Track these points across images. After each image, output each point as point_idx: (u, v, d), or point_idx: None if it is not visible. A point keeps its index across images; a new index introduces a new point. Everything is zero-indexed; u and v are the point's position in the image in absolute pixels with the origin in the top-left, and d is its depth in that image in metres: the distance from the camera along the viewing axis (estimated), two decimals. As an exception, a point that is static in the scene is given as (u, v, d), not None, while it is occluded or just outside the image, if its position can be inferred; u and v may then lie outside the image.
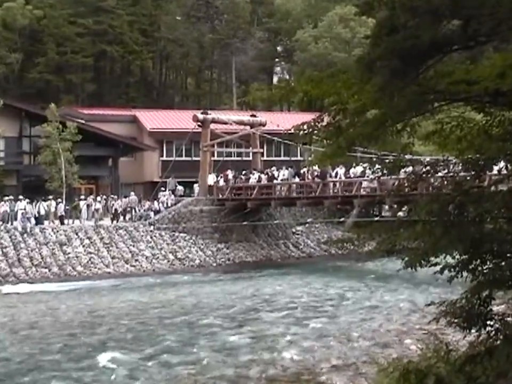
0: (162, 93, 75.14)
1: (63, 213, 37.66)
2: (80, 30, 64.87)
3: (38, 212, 36.66)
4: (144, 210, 40.51)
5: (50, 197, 38.49)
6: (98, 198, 40.52)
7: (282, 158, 53.46)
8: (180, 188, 42.45)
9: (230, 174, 40.93)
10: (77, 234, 35.64)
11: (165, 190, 42.00)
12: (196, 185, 41.60)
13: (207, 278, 32.17)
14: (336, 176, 35.69)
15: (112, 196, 42.65)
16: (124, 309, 23.92)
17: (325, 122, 9.51)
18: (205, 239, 37.93)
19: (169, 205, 40.49)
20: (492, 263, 8.52)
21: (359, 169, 34.77)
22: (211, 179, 40.36)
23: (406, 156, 10.05)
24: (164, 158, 51.16)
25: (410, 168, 10.06)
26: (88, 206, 40.06)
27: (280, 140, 41.07)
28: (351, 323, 20.40)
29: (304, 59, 68.94)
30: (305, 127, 9.49)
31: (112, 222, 38.45)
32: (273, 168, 40.90)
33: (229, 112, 56.35)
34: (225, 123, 42.83)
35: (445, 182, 9.52)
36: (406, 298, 24.64)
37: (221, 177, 40.87)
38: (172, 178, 42.54)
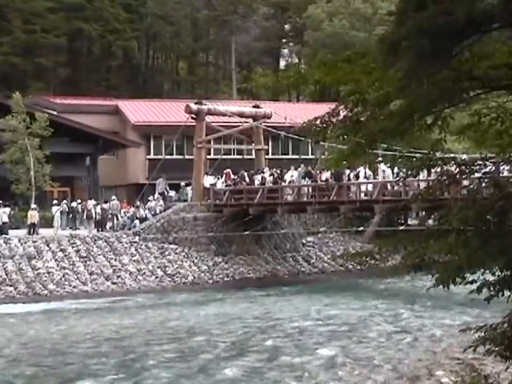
0: (149, 80, 75.27)
1: (7, 220, 37.46)
2: (52, 4, 65.07)
3: (1, 220, 36.77)
4: (128, 218, 40.54)
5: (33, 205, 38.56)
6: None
7: (290, 156, 53.53)
8: (172, 193, 42.36)
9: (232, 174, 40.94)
10: (48, 245, 35.68)
11: (154, 194, 42.07)
12: (189, 188, 41.63)
13: (202, 298, 32.14)
14: (358, 178, 35.45)
15: (90, 200, 42.70)
16: (103, 335, 23.90)
17: (341, 115, 9.51)
18: (200, 252, 37.93)
19: (157, 211, 40.51)
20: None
21: (388, 171, 34.79)
22: (209, 181, 40.37)
23: (437, 154, 10.04)
24: (151, 156, 51.24)
25: (442, 168, 10.05)
26: (61, 212, 40.15)
27: (287, 135, 41.04)
28: (371, 351, 20.36)
29: (317, 39, 68.99)
30: (318, 121, 9.50)
31: (89, 232, 38.49)
32: (279, 168, 40.90)
33: (227, 102, 56.32)
34: (224, 115, 42.86)
35: (483, 185, 9.51)
36: (437, 322, 24.60)
37: (218, 178, 40.84)
38: (163, 179, 42.54)
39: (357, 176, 35.65)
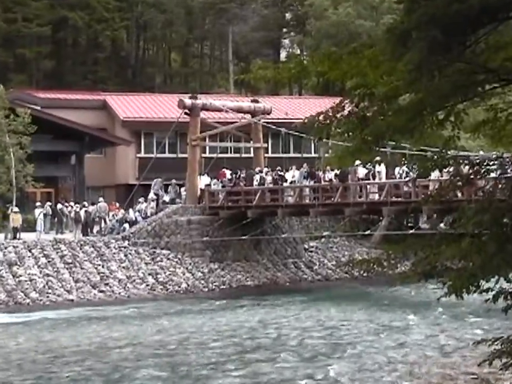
0: (139, 72, 75.26)
1: None
2: (35, -9, 65.02)
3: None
4: (117, 221, 40.53)
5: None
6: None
7: (291, 154, 53.56)
8: (167, 197, 42.17)
9: (228, 174, 40.90)
10: (30, 251, 35.67)
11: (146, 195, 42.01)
12: (182, 189, 41.64)
13: (196, 307, 32.12)
14: (374, 178, 35.37)
15: (76, 203, 42.70)
16: (89, 347, 23.87)
17: (346, 110, 9.51)
18: (194, 258, 37.93)
19: (148, 214, 40.51)
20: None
21: (384, 172, 34.87)
22: (204, 181, 40.37)
23: (449, 152, 10.04)
24: (142, 154, 51.26)
25: (455, 168, 10.05)
26: (45, 215, 40.16)
27: (289, 131, 41.04)
28: (378, 365, 20.35)
29: (320, 29, 69.04)
30: (321, 117, 9.50)
31: (76, 236, 38.50)
32: (279, 167, 40.91)
33: (224, 96, 56.34)
34: (220, 110, 42.87)
35: (500, 186, 9.51)
36: (450, 333, 24.59)
37: (212, 178, 40.81)
38: (161, 180, 42.35)
39: (373, 176, 35.52)
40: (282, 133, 45.81)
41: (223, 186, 40.19)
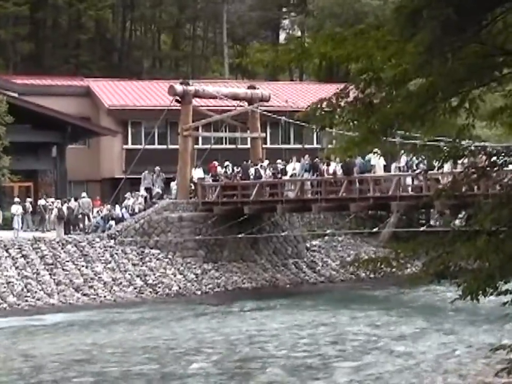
0: (126, 56, 75.18)
1: None
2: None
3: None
4: (102, 218, 40.51)
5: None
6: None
7: (292, 145, 53.51)
8: (156, 188, 42.10)
9: (221, 167, 40.92)
10: (7, 251, 35.66)
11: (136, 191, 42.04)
12: (173, 183, 41.62)
13: (188, 312, 32.12)
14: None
15: (56, 197, 42.68)
16: (71, 355, 23.86)
17: (351, 97, 9.50)
18: (186, 258, 37.94)
19: (136, 210, 40.49)
20: None
21: (402, 160, 34.88)
22: (198, 174, 40.32)
23: (464, 142, 10.03)
24: (129, 145, 51.22)
25: (470, 159, 10.04)
26: (25, 212, 40.21)
27: (289, 120, 41.02)
28: (387, 374, 20.36)
29: (323, 8, 69.04)
30: (324, 104, 9.49)
31: (58, 234, 38.47)
32: (279, 160, 40.90)
33: (218, 82, 56.29)
34: (214, 97, 42.84)
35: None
36: (464, 339, 24.60)
37: (204, 170, 40.82)
38: (150, 173, 42.22)
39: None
40: (282, 122, 45.82)
41: (214, 180, 40.15)
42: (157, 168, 42.23)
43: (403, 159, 34.95)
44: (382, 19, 9.77)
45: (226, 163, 41.09)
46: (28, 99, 47.41)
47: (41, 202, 42.27)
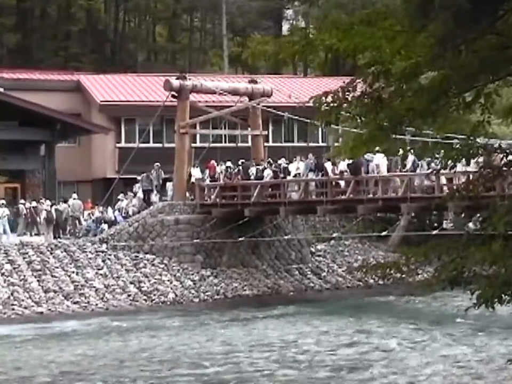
0: (119, 49, 75.21)
1: None
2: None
3: None
4: (93, 221, 40.52)
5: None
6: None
7: (295, 143, 53.52)
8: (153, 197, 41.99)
9: (220, 166, 40.88)
10: (-7, 256, 35.67)
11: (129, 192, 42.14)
12: (169, 184, 41.62)
13: (185, 321, 32.12)
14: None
15: (45, 199, 42.70)
16: (59, 367, 23.84)
17: (359, 91, 9.49)
18: (183, 263, 37.93)
19: (130, 213, 40.49)
20: None
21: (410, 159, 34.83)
22: (196, 174, 40.29)
23: (478, 140, 10.03)
24: (122, 144, 51.23)
25: (485, 158, 10.03)
26: (17, 215, 40.28)
27: (292, 117, 41.03)
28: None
29: (328, -3, 68.94)
30: (329, 98, 9.48)
31: (47, 239, 38.49)
32: (283, 159, 40.90)
33: (217, 76, 56.32)
34: (212, 92, 42.85)
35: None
36: (478, 350, 24.59)
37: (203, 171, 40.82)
38: (156, 169, 42.12)
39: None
40: (285, 119, 45.77)
41: (212, 181, 40.15)
42: (156, 164, 42.17)
43: (410, 159, 34.91)
44: (391, 8, 9.75)
45: (228, 163, 41.01)
46: (15, 94, 47.36)
47: (33, 204, 42.16)
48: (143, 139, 47.21)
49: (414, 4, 8.36)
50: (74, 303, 34.09)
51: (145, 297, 35.47)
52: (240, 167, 40.19)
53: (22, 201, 42.47)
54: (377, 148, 32.58)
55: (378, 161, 35.26)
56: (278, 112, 42.26)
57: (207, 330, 30.13)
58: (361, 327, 29.61)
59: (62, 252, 36.93)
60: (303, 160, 39.16)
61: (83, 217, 41.53)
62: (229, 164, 41.02)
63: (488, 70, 8.73)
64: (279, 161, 40.06)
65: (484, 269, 9.16)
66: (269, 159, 40.69)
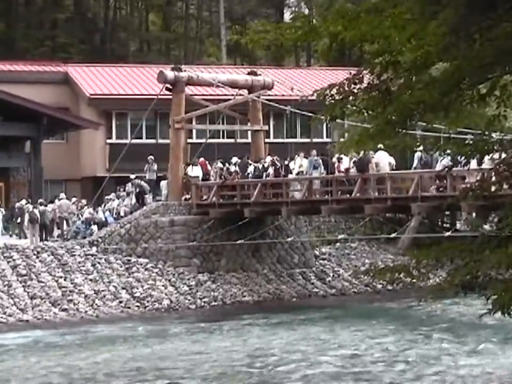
0: (109, 38, 75.23)
1: None
2: None
3: None
4: (82, 222, 40.52)
5: None
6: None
7: (298, 139, 53.52)
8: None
9: (216, 165, 40.90)
10: (-25, 260, 35.69)
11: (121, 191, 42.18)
12: (163, 182, 41.62)
13: (181, 329, 32.14)
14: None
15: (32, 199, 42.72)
16: (46, 379, 23.88)
17: (366, 83, 9.49)
18: (178, 268, 37.94)
19: (121, 213, 40.50)
20: None
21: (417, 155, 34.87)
22: (195, 172, 40.29)
23: (494, 135, 10.03)
24: (113, 140, 51.24)
25: (500, 154, 10.04)
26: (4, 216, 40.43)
27: (295, 110, 41.03)
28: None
29: (333, -17, 68.89)
30: (334, 90, 9.48)
31: (33, 241, 38.51)
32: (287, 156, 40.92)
33: (215, 67, 56.32)
34: (210, 85, 42.83)
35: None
36: (493, 361, 24.61)
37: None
38: (150, 163, 42.05)
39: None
40: (287, 113, 45.80)
41: (204, 180, 40.12)
42: (150, 157, 42.14)
43: (417, 156, 34.92)
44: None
45: (235, 159, 40.82)
46: (-2, 87, 47.47)
47: (23, 203, 42.21)
48: (136, 135, 47.18)
49: (425, -11, 8.37)
50: (62, 310, 34.09)
51: (138, 303, 35.46)
52: (236, 165, 40.15)
53: (19, 202, 42.57)
54: (379, 145, 32.66)
55: (378, 159, 35.20)
56: (280, 106, 42.27)
57: (204, 338, 30.15)
58: (368, 335, 29.63)
59: (49, 256, 36.92)
60: (307, 157, 39.11)
61: (72, 218, 41.42)
62: (235, 159, 40.79)
63: (504, 60, 8.73)
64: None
65: (500, 273, 9.16)
66: (273, 158, 40.57)
